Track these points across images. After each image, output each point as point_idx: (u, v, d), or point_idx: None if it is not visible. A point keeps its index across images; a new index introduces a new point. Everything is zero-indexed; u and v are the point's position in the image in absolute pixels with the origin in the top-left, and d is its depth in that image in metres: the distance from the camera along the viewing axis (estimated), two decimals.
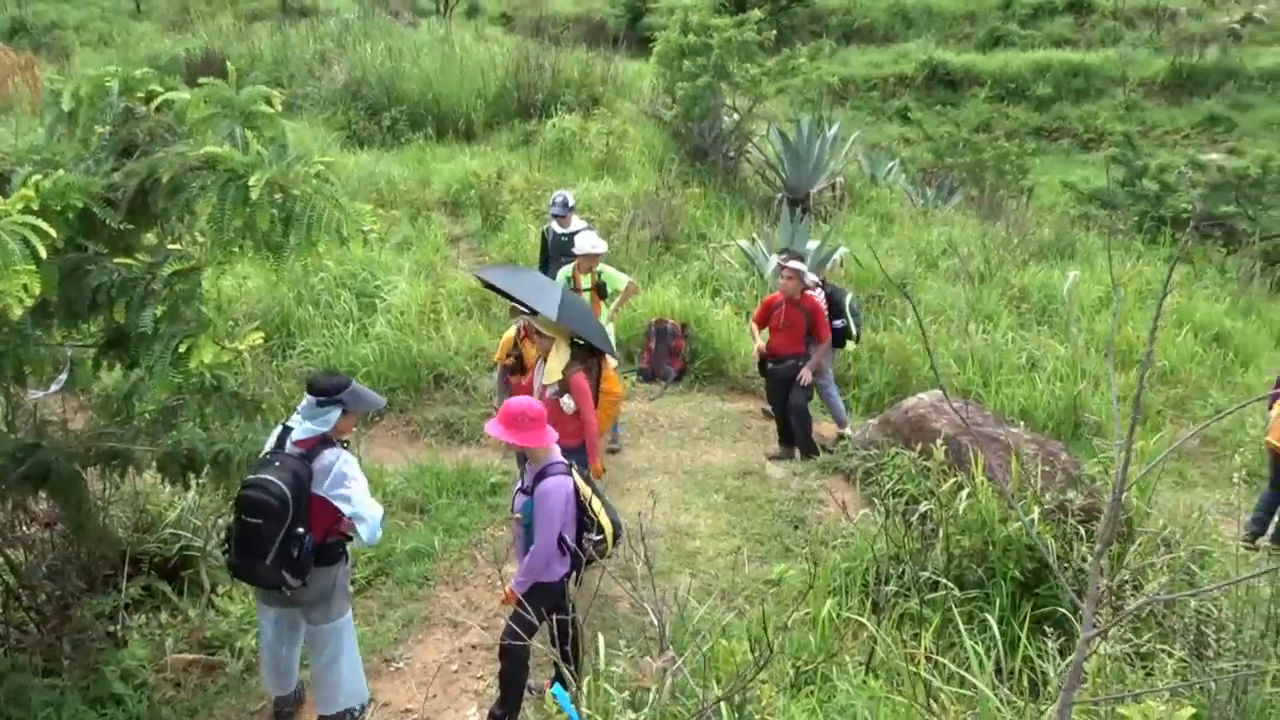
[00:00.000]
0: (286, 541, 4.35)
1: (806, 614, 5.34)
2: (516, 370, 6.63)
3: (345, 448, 4.63)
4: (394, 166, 13.63)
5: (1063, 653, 4.26)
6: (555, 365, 5.96)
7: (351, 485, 4.50)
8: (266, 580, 4.46)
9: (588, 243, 7.78)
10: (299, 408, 4.57)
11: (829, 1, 30.52)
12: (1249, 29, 26.99)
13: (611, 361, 6.35)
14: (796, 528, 6.77)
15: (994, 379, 8.80)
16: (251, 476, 4.43)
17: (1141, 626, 4.05)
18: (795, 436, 7.82)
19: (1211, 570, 4.71)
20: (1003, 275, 11.58)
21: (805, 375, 7.60)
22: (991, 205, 15.99)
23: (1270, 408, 6.91)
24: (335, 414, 4.52)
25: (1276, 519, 6.92)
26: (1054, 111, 25.70)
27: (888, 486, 6.17)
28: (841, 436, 8.02)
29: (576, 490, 4.77)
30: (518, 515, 4.91)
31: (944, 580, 5.09)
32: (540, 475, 4.71)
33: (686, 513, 7.09)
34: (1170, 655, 3.51)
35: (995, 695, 3.74)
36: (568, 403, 5.89)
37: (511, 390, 6.50)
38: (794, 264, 7.68)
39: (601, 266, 7.87)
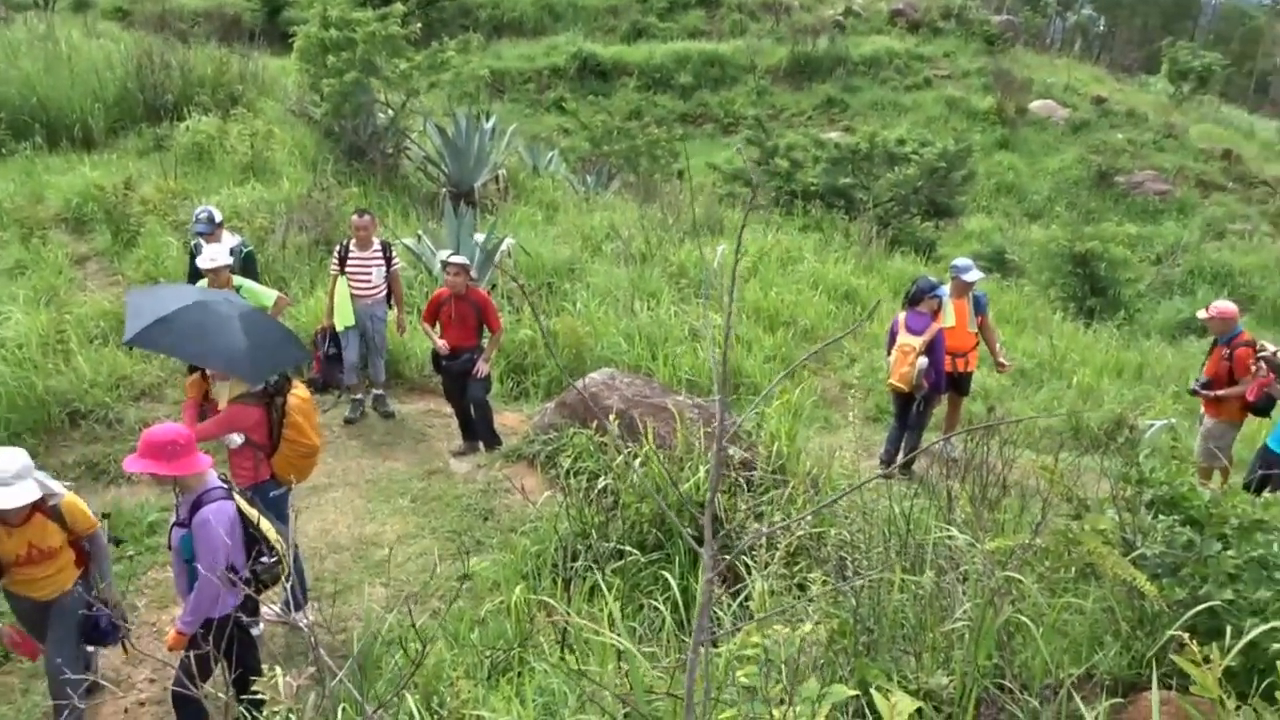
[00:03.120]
0: None
1: (501, 603, 5.37)
2: None
3: None
4: None
5: (735, 596, 4.60)
6: (223, 396, 5.50)
7: None
8: None
9: (207, 256, 7.07)
10: None
11: None
12: (850, 21, 30.44)
13: (301, 392, 5.61)
14: (486, 520, 6.79)
15: (661, 351, 9.27)
16: None
17: (794, 560, 4.46)
18: (478, 429, 7.81)
19: (849, 501, 5.26)
20: (662, 254, 12.25)
21: (482, 368, 7.60)
22: (648, 189, 16.87)
23: (888, 354, 7.84)
24: None
25: (903, 449, 7.87)
26: (696, 98, 27.57)
27: (567, 466, 6.33)
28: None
29: (241, 513, 4.45)
30: (174, 550, 4.50)
31: (627, 548, 5.32)
32: (196, 504, 4.35)
33: (372, 521, 6.88)
34: (818, 583, 3.89)
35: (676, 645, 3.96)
36: (232, 438, 5.41)
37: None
38: (458, 259, 7.66)
39: (241, 281, 7.23)
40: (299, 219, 11.05)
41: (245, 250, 8.16)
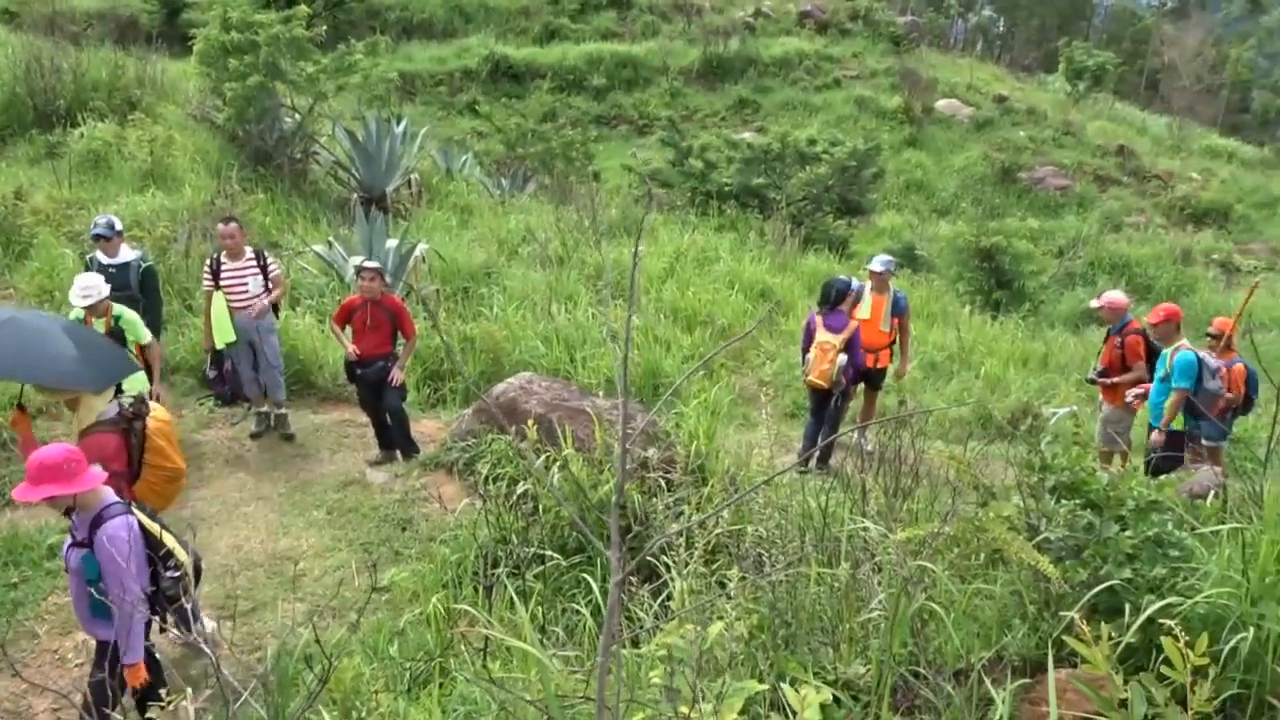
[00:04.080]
0: None
1: (420, 614, 5.30)
2: None
3: None
4: None
5: (655, 595, 4.61)
6: (76, 426, 5.24)
7: None
8: None
9: (79, 292, 6.56)
10: None
11: None
12: (760, 22, 30.83)
13: (160, 414, 5.39)
14: (404, 530, 6.68)
15: (579, 354, 9.25)
16: None
17: (713, 558, 4.50)
18: (394, 438, 7.68)
19: (765, 497, 5.32)
20: (579, 256, 12.23)
21: (396, 375, 7.47)
22: (563, 191, 16.81)
23: (805, 352, 7.94)
24: None
25: (820, 443, 7.98)
26: (610, 100, 27.60)
27: (486, 473, 6.27)
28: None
29: (143, 528, 4.30)
30: (73, 572, 4.32)
31: (548, 552, 5.30)
32: (97, 521, 4.19)
33: (286, 536, 6.71)
34: (735, 580, 3.92)
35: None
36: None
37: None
38: (371, 264, 7.52)
39: (121, 311, 6.77)
40: (203, 227, 10.72)
41: (145, 265, 7.78)
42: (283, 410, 8.25)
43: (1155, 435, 7.31)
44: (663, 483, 5.65)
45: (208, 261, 7.92)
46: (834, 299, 7.81)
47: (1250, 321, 15.86)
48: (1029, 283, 15.99)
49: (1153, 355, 7.83)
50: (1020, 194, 25.14)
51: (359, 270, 7.68)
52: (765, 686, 2.48)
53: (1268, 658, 3.11)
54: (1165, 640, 2.46)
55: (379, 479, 7.42)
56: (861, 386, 8.42)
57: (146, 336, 6.90)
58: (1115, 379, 7.85)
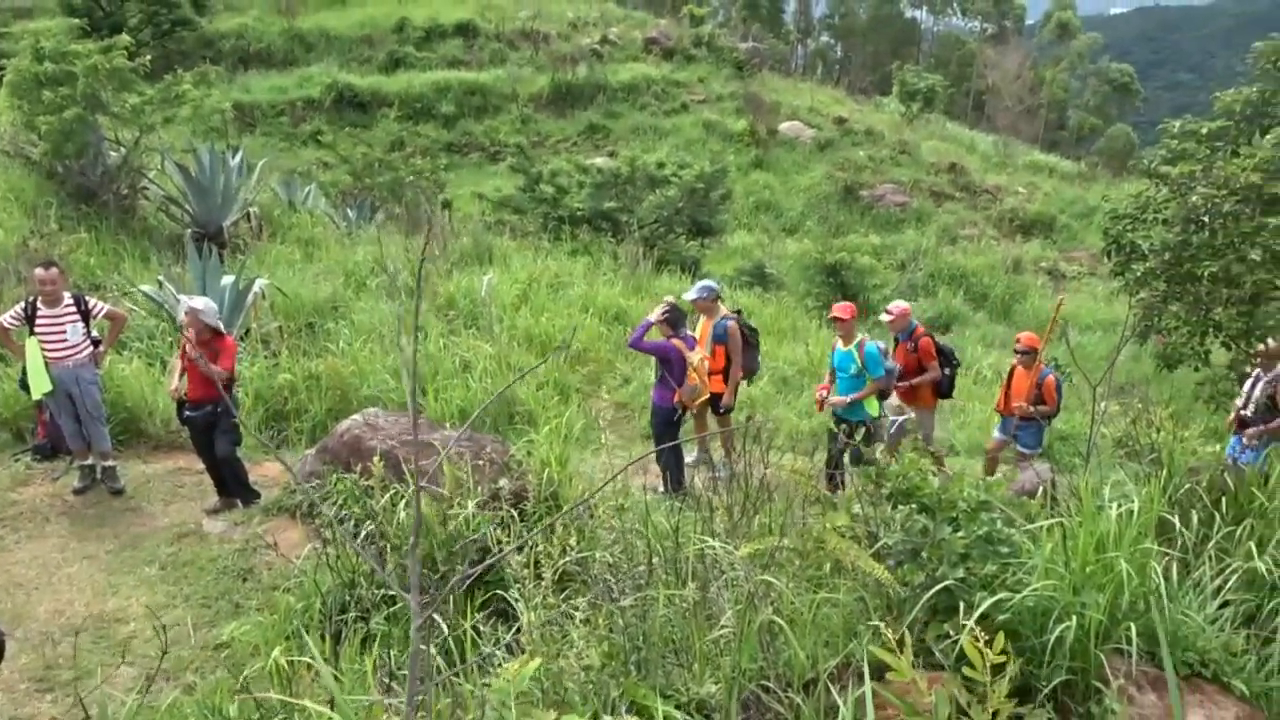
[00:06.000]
0: None
1: (262, 669, 5.01)
2: None
3: None
4: None
5: (510, 629, 4.49)
6: None
7: None
8: None
9: None
10: None
11: (220, 26, 29.11)
12: (607, 49, 31.21)
13: None
14: (245, 580, 6.32)
15: (431, 386, 9.03)
16: None
17: (564, 588, 4.41)
18: (228, 486, 7.27)
19: (611, 522, 5.27)
20: (430, 286, 11.98)
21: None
22: (414, 220, 16.50)
23: (678, 376, 7.92)
24: None
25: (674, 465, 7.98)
26: (460, 128, 27.35)
27: (330, 515, 6.00)
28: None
29: None
30: None
31: (399, 592, 5.09)
32: None
33: (115, 596, 6.25)
34: (583, 608, 3.85)
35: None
36: None
37: None
38: (194, 302, 7.09)
39: None
40: (16, 270, 9.99)
41: None
42: (109, 463, 7.66)
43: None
44: (515, 514, 5.54)
45: (22, 304, 7.32)
46: (683, 320, 7.87)
47: (1068, 324, 16.94)
48: (874, 296, 16.62)
49: (941, 353, 8.35)
50: (863, 211, 26.19)
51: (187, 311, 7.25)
52: None
53: (1091, 644, 3.26)
54: (965, 642, 2.53)
55: (217, 529, 7.01)
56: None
57: None
58: (913, 380, 8.30)
